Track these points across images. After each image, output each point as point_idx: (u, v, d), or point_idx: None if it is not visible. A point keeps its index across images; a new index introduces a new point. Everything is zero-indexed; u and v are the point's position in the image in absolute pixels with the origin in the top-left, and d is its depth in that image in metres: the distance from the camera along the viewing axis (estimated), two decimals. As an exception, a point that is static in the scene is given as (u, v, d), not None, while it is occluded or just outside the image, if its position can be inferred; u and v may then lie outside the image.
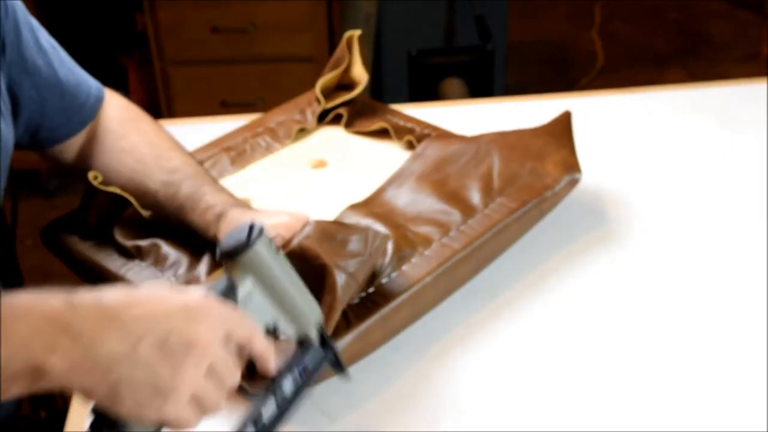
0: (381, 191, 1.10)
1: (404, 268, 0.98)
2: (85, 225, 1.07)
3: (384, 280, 0.96)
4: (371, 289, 0.95)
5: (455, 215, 1.04)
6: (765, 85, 1.44)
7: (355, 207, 1.07)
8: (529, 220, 1.08)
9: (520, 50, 3.29)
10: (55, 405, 1.79)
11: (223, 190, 1.03)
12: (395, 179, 1.12)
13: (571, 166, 1.11)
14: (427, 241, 1.01)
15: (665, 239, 1.13)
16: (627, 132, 1.36)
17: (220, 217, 0.97)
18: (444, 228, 1.03)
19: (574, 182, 1.11)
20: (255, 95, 2.55)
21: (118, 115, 1.07)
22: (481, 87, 2.61)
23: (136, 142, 1.04)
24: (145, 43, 2.50)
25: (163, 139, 1.05)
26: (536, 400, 0.92)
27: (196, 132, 1.26)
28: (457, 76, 2.57)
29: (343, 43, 1.28)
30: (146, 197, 1.01)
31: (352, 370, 0.94)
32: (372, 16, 2.49)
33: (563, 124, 1.16)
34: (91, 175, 1.04)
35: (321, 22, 2.46)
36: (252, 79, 2.54)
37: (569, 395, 0.93)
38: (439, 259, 0.99)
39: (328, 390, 0.92)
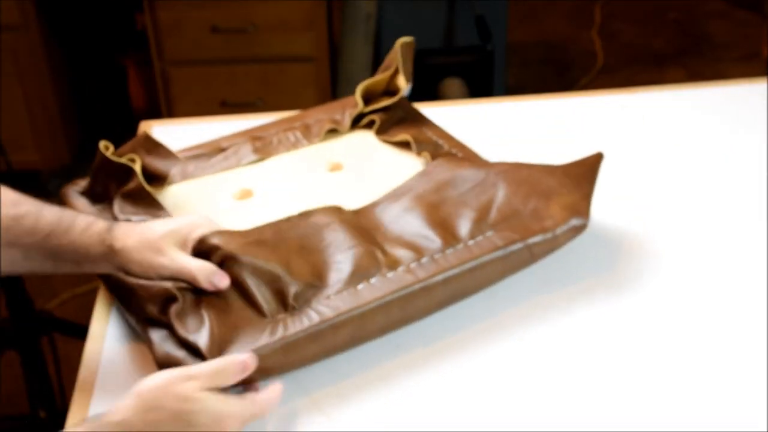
0: (375, 204, 1.07)
1: (359, 287, 0.93)
2: (94, 192, 1.10)
3: (332, 295, 0.92)
4: (314, 302, 0.92)
5: (435, 243, 0.99)
6: (765, 85, 1.44)
7: (341, 212, 1.03)
8: (516, 261, 1.00)
9: (520, 50, 3.29)
10: (55, 405, 1.79)
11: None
12: (393, 194, 1.08)
13: (579, 211, 1.03)
14: (395, 264, 0.96)
15: (663, 238, 1.13)
16: (627, 132, 1.35)
17: (109, 230, 0.93)
18: (419, 253, 0.97)
19: (579, 229, 1.03)
20: (255, 95, 2.55)
21: None
22: (481, 87, 2.61)
23: None
24: (145, 43, 2.50)
25: None
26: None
27: (196, 132, 1.26)
28: (457, 76, 2.57)
29: (394, 49, 1.24)
30: None
31: (348, 367, 0.94)
32: (372, 16, 2.49)
33: (588, 167, 1.08)
34: (102, 144, 1.08)
35: (321, 22, 2.46)
36: (252, 79, 2.54)
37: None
38: (399, 284, 0.94)
39: (327, 389, 0.92)
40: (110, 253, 0.92)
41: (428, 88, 2.56)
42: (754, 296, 1.04)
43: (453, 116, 1.33)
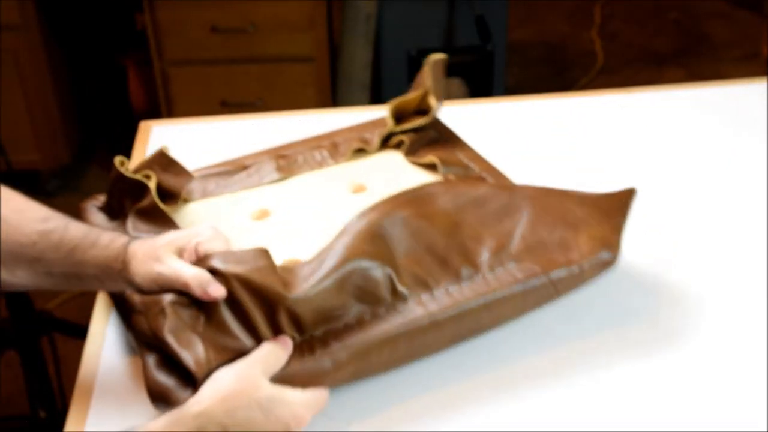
0: (390, 212, 0.96)
1: (366, 317, 0.88)
2: (111, 208, 1.09)
3: (338, 326, 0.88)
4: (318, 332, 0.87)
5: (452, 270, 0.93)
6: (765, 85, 1.44)
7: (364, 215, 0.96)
8: (538, 296, 0.94)
9: (520, 50, 3.29)
10: (55, 405, 1.79)
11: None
12: (412, 199, 0.99)
13: (608, 244, 0.96)
14: (406, 294, 0.90)
15: (661, 235, 1.13)
16: (627, 132, 1.36)
17: (126, 245, 0.91)
18: (434, 281, 0.91)
19: (607, 263, 0.96)
20: (255, 95, 2.55)
21: None
22: (481, 87, 2.61)
23: None
24: (145, 43, 2.50)
25: (9, 192, 0.94)
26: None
27: (196, 132, 1.26)
28: (457, 76, 2.58)
29: (426, 66, 1.20)
30: (21, 255, 0.90)
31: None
32: (372, 16, 2.49)
33: (620, 201, 1.01)
34: (117, 160, 1.07)
35: (321, 22, 2.46)
36: (252, 79, 2.54)
37: None
38: (407, 317, 0.88)
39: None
40: (124, 269, 0.91)
41: (428, 88, 2.56)
42: (751, 293, 1.04)
43: (453, 116, 1.33)
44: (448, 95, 1.25)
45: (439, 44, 2.60)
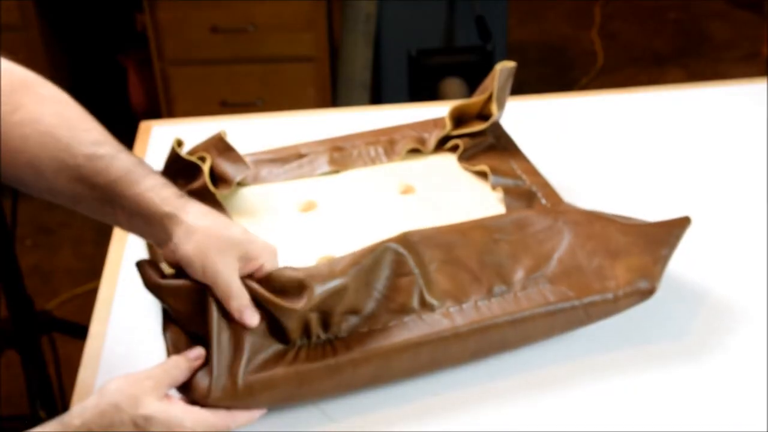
0: (441, 229, 0.98)
1: (392, 324, 0.89)
2: None
3: (363, 330, 0.88)
4: (342, 333, 0.88)
5: (484, 285, 0.93)
6: (765, 85, 1.44)
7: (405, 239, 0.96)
8: (568, 319, 0.93)
9: (520, 50, 3.29)
10: (55, 405, 1.80)
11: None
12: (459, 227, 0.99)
13: (647, 275, 0.95)
14: (434, 305, 0.91)
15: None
16: (627, 132, 1.36)
17: (180, 196, 0.89)
18: (464, 295, 0.92)
19: (644, 294, 0.95)
20: (255, 95, 2.55)
21: (5, 84, 0.93)
22: (481, 87, 2.60)
23: (36, 112, 0.90)
24: (145, 43, 2.50)
25: (71, 108, 0.93)
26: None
27: (196, 132, 1.26)
28: (457, 76, 2.57)
29: (493, 72, 1.19)
30: (61, 173, 0.88)
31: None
32: (372, 16, 2.49)
33: (669, 230, 1.00)
34: (175, 140, 1.07)
35: (321, 22, 2.46)
36: (252, 79, 2.54)
37: None
38: (432, 328, 0.89)
39: (328, 390, 0.92)
40: (171, 218, 0.88)
41: (428, 88, 2.56)
42: (751, 291, 1.04)
43: (453, 116, 1.33)
44: (447, 95, 1.25)
45: (439, 44, 2.60)
